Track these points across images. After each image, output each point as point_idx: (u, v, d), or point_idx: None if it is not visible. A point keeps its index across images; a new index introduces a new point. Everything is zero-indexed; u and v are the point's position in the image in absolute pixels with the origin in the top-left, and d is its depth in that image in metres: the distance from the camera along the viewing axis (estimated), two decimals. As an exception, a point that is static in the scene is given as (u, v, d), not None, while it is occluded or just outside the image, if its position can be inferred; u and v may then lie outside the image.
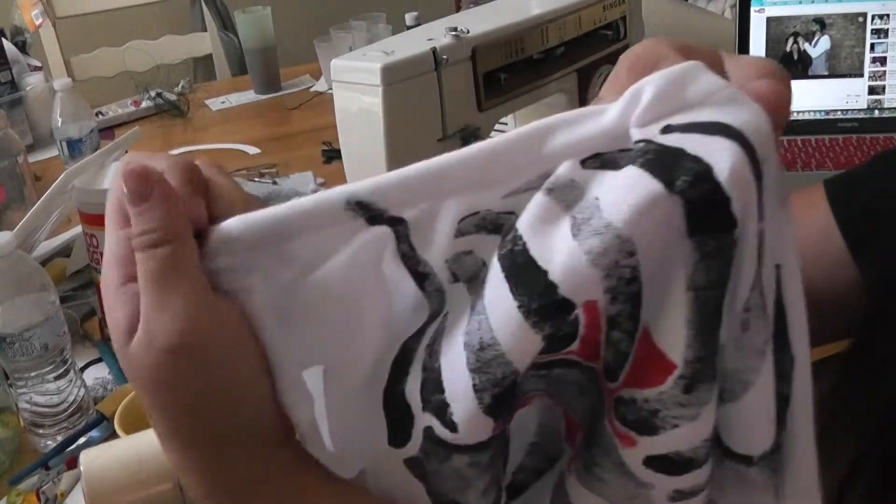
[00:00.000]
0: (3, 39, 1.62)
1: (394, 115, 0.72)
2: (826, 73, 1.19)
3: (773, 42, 1.20)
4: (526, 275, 0.30)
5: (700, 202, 0.28)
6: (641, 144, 0.30)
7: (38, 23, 1.89)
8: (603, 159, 0.31)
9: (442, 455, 0.32)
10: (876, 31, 1.15)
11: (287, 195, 1.21)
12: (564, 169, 0.31)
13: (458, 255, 0.32)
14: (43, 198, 0.93)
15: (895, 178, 0.55)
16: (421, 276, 0.32)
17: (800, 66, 1.20)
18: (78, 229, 1.03)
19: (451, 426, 0.31)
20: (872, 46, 1.16)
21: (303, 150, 1.45)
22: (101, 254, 0.92)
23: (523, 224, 0.31)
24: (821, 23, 1.17)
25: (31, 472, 0.74)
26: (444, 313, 0.33)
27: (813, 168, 1.13)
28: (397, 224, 0.31)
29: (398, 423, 0.33)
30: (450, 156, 0.31)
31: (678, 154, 0.29)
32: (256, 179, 1.32)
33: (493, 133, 0.87)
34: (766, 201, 0.30)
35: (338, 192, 0.31)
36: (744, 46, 1.21)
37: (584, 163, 0.31)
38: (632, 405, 0.32)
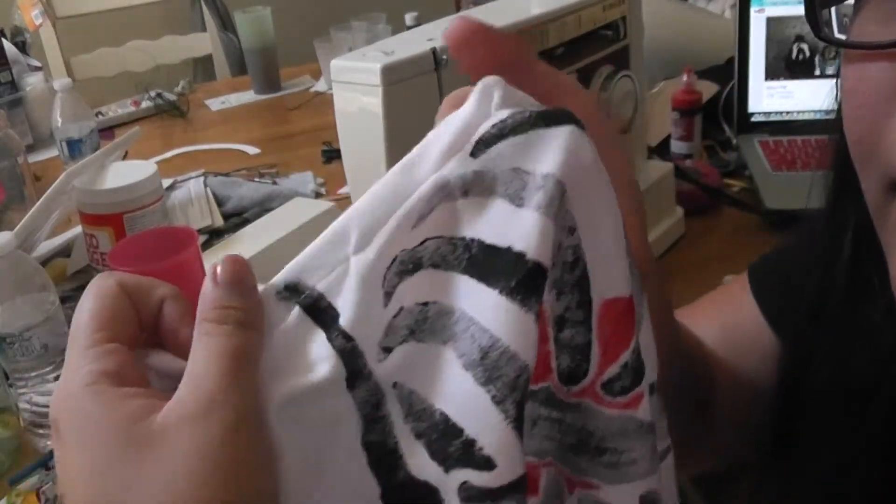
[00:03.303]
0: (3, 39, 1.62)
1: (394, 115, 0.72)
2: (827, 73, 1.19)
3: (772, 42, 1.20)
4: (492, 263, 0.29)
5: None
6: (521, 111, 0.30)
7: (38, 23, 1.89)
8: (485, 140, 0.30)
9: None
10: (876, 32, 1.15)
11: (287, 195, 1.21)
12: (458, 167, 0.30)
13: (388, 325, 0.30)
14: (43, 198, 0.93)
15: (809, 248, 0.51)
16: (355, 374, 0.30)
17: (802, 67, 1.21)
18: (78, 229, 1.03)
19: (487, 463, 0.29)
20: (872, 46, 1.16)
21: (303, 150, 1.45)
22: (102, 254, 0.93)
23: (468, 231, 0.30)
24: (821, 23, 1.17)
25: (31, 472, 0.74)
26: (394, 384, 0.30)
27: (813, 168, 1.13)
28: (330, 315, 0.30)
29: None
30: (352, 209, 0.30)
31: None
32: (256, 179, 1.32)
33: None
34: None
35: (268, 285, 0.30)
36: (744, 46, 1.21)
37: (473, 154, 0.30)
38: (623, 371, 0.31)
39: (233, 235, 1.07)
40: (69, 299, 0.99)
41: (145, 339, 0.32)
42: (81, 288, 1.03)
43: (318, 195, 1.26)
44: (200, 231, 1.13)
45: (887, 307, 0.38)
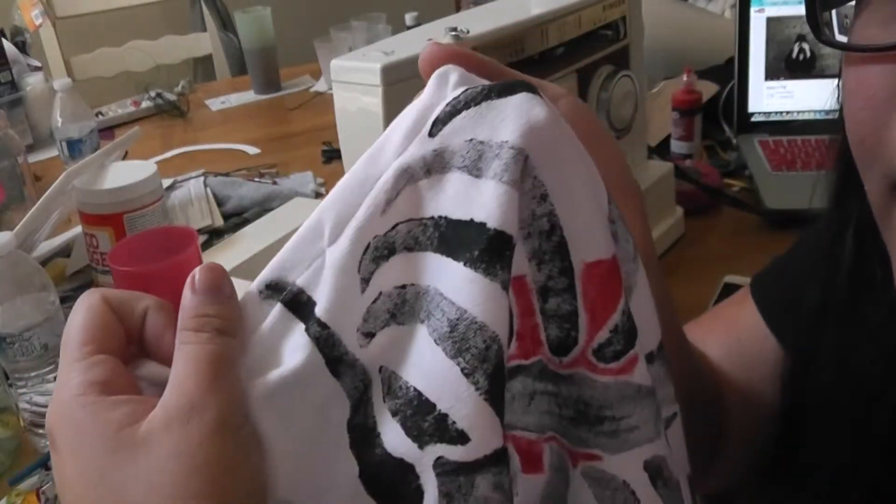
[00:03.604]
0: (3, 39, 1.62)
1: (394, 115, 0.72)
2: (827, 73, 1.19)
3: (772, 42, 1.20)
4: (459, 237, 0.30)
5: None
6: (473, 87, 0.31)
7: (38, 23, 1.89)
8: (441, 119, 0.31)
9: (464, 485, 0.29)
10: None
11: (287, 195, 1.21)
12: (417, 149, 0.31)
13: (367, 310, 0.31)
14: (43, 198, 0.93)
15: (811, 257, 0.51)
16: (336, 360, 0.30)
17: (802, 67, 1.21)
18: (78, 229, 1.03)
19: (461, 436, 0.29)
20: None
21: (303, 150, 1.45)
22: (102, 254, 0.93)
23: (434, 209, 0.30)
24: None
25: (31, 472, 0.74)
26: (380, 367, 0.31)
27: (813, 168, 1.13)
28: (306, 306, 0.30)
29: (399, 488, 0.30)
30: (326, 201, 0.31)
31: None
32: (256, 179, 1.32)
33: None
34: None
35: (253, 283, 0.31)
36: (744, 46, 1.21)
37: (431, 133, 0.31)
38: (613, 335, 0.31)
39: (233, 235, 1.07)
40: (69, 299, 0.99)
41: (134, 350, 0.33)
42: (81, 288, 1.04)
43: (318, 195, 1.26)
44: (200, 231, 1.13)
45: (890, 307, 0.38)
